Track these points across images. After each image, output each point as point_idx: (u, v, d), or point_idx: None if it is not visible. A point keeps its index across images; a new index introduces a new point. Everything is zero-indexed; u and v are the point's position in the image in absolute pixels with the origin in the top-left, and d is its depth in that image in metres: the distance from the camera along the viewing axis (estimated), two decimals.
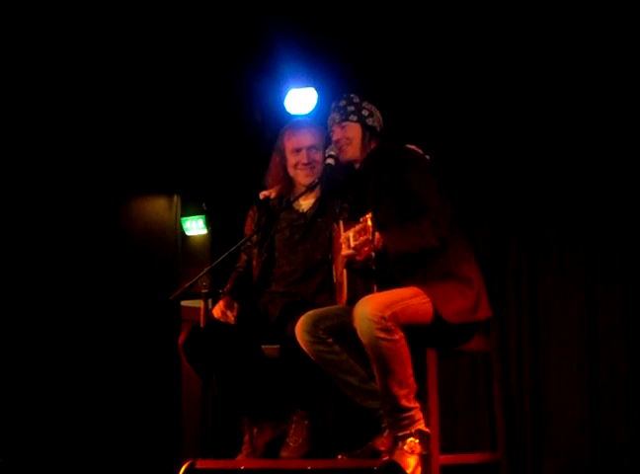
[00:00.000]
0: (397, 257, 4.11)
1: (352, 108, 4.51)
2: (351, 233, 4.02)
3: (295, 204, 4.81)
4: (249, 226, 4.89)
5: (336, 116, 4.53)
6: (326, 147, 4.69)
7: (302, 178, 4.77)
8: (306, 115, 5.83)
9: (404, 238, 4.12)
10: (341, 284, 4.28)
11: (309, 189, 4.73)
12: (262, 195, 4.91)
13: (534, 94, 5.42)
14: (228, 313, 4.64)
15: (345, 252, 4.09)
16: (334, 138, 4.54)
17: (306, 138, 4.77)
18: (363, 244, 3.95)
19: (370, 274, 4.21)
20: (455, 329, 4.16)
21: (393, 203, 4.28)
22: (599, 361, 5.20)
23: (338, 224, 4.35)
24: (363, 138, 4.50)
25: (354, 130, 4.51)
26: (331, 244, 4.55)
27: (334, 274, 4.46)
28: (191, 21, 5.89)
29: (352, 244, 4.01)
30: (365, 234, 3.92)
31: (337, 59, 5.80)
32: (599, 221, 5.24)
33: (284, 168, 4.83)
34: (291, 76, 5.87)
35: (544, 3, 5.32)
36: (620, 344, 5.17)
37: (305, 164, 4.75)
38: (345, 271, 4.21)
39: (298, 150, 4.76)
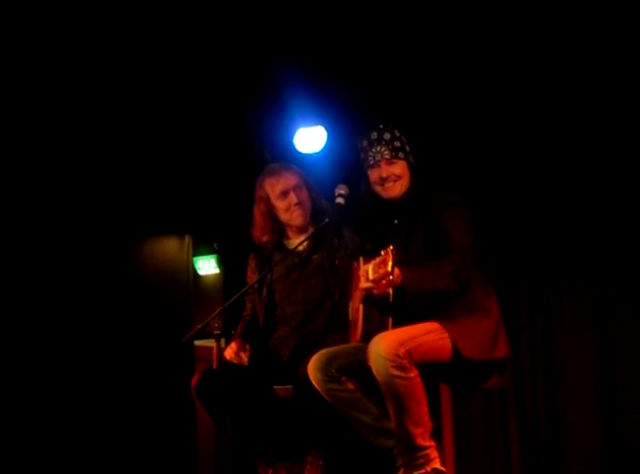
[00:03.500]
0: (414, 295, 4.09)
1: (398, 143, 4.41)
2: (370, 266, 3.99)
3: (289, 245, 4.82)
4: (250, 275, 4.90)
5: (385, 151, 4.40)
6: (305, 185, 4.70)
7: (296, 219, 4.78)
8: (316, 153, 5.85)
9: (423, 277, 4.08)
10: (356, 321, 4.26)
11: (320, 229, 4.72)
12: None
13: (547, 135, 5.42)
14: (241, 354, 4.63)
15: (363, 285, 4.06)
16: (380, 174, 4.40)
17: (289, 180, 4.79)
18: (382, 277, 3.90)
19: (387, 308, 4.16)
20: (472, 367, 4.14)
21: (423, 241, 4.26)
22: (615, 398, 5.16)
23: (358, 261, 4.33)
24: (411, 176, 4.42)
25: (402, 168, 4.42)
26: (349, 280, 4.53)
27: (350, 310, 4.45)
28: (201, 60, 5.91)
29: (370, 277, 3.96)
30: (385, 267, 3.88)
31: (346, 98, 5.81)
32: (611, 261, 5.23)
33: (273, 216, 4.82)
34: (300, 115, 5.88)
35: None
36: (636, 379, 5.14)
37: (297, 204, 4.75)
38: (361, 306, 4.18)
39: (285, 193, 4.77)
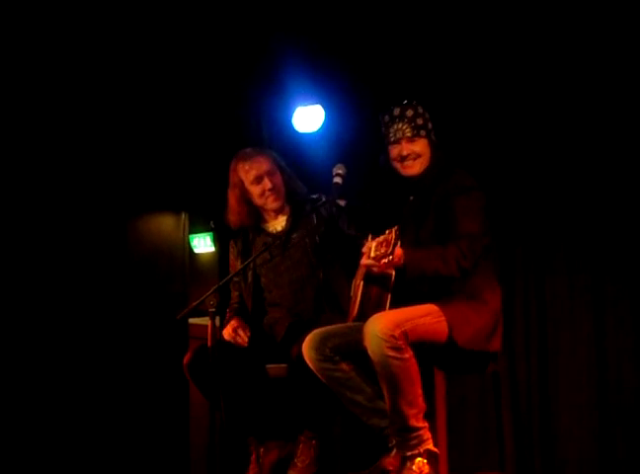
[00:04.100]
0: (414, 277, 4.07)
1: (420, 121, 4.34)
2: (374, 243, 3.98)
3: (269, 228, 4.82)
4: (232, 263, 4.89)
5: (406, 129, 4.33)
6: (279, 168, 4.68)
7: (271, 203, 4.78)
8: (314, 132, 5.84)
9: (426, 261, 4.05)
10: (355, 298, 4.25)
11: (318, 206, 4.72)
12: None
13: (542, 118, 5.40)
14: (241, 333, 4.63)
15: (364, 261, 4.04)
16: (400, 152, 4.34)
17: (262, 165, 4.78)
18: (383, 256, 3.89)
19: (387, 287, 4.14)
20: (465, 354, 4.13)
21: (435, 223, 4.21)
22: (608, 381, 5.17)
23: (367, 237, 4.30)
24: (431, 154, 4.36)
25: (423, 146, 4.35)
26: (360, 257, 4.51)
27: (352, 286, 4.43)
28: (199, 40, 5.89)
29: (372, 254, 3.95)
30: (387, 246, 3.87)
31: (344, 77, 5.79)
32: (607, 245, 5.22)
33: (247, 201, 4.81)
34: (299, 94, 5.86)
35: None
36: (630, 362, 5.15)
37: (271, 189, 4.75)
38: (361, 283, 4.16)
39: (259, 179, 4.76)
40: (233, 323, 4.69)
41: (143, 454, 5.93)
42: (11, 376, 5.63)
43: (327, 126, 5.85)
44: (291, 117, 5.89)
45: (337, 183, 4.53)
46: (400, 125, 4.33)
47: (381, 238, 3.93)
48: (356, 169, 4.66)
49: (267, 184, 4.76)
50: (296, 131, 5.90)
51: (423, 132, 4.33)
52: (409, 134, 4.31)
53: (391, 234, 3.88)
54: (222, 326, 4.75)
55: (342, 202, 4.60)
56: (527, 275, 5.41)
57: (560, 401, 5.30)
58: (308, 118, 5.87)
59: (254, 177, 4.77)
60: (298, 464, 4.43)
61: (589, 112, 5.26)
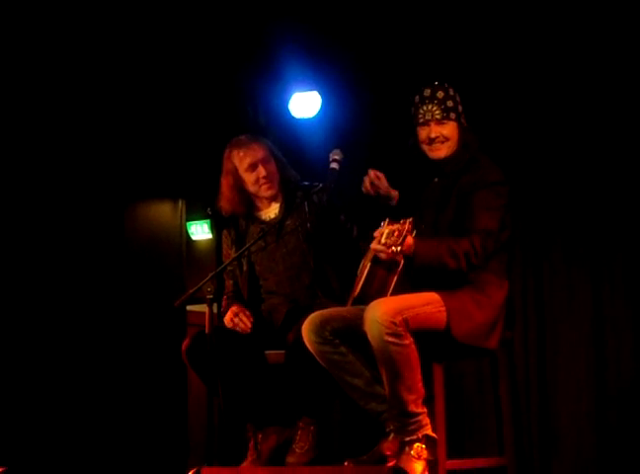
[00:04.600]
0: (421, 267, 4.03)
1: (451, 103, 4.22)
2: (386, 230, 3.91)
3: (262, 216, 4.82)
4: (226, 253, 4.88)
5: (436, 110, 4.20)
6: (273, 157, 4.68)
7: (264, 191, 4.76)
8: (311, 118, 5.84)
9: (436, 253, 4.00)
10: (360, 278, 4.23)
11: (313, 194, 4.71)
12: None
13: (542, 105, 5.40)
14: (244, 318, 4.62)
15: (373, 245, 3.98)
16: (429, 134, 4.23)
17: (257, 152, 4.74)
18: (392, 244, 3.85)
19: (393, 273, 4.08)
20: (461, 347, 4.12)
21: (454, 212, 4.15)
22: (606, 364, 5.19)
23: (384, 221, 4.26)
24: (459, 138, 4.25)
25: (452, 129, 4.24)
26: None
27: (361, 265, 4.41)
28: (195, 26, 5.88)
29: (382, 240, 3.90)
30: (399, 236, 3.83)
31: (341, 63, 5.78)
32: (605, 234, 5.23)
33: (240, 188, 4.80)
34: (295, 80, 5.86)
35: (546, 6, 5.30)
36: (627, 344, 5.17)
37: (265, 177, 4.73)
38: (368, 265, 4.15)
39: (254, 166, 4.74)
40: (234, 309, 4.68)
41: (142, 441, 5.94)
42: (7, 361, 5.63)
43: (324, 112, 5.84)
44: (288, 102, 5.89)
45: (333, 168, 4.51)
46: (430, 107, 4.22)
47: (395, 226, 3.89)
48: (352, 155, 4.65)
49: (261, 171, 4.74)
50: (293, 117, 5.90)
51: (453, 115, 4.23)
52: (438, 116, 4.20)
53: (405, 225, 3.86)
54: (220, 314, 4.73)
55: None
56: (526, 261, 5.40)
57: (559, 386, 5.31)
58: (305, 103, 5.87)
59: (248, 164, 4.75)
60: (297, 450, 4.43)
61: (587, 107, 5.27)
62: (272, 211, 4.82)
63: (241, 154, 4.76)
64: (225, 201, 4.82)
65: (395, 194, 4.41)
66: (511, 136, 5.41)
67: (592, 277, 5.29)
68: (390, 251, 3.88)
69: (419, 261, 4.00)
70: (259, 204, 4.84)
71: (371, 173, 4.42)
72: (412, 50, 5.64)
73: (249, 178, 4.75)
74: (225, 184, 4.81)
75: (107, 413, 5.84)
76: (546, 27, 5.32)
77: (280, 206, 4.79)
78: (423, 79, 5.22)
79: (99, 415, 5.82)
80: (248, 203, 4.82)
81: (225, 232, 4.90)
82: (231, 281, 4.87)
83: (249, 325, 4.62)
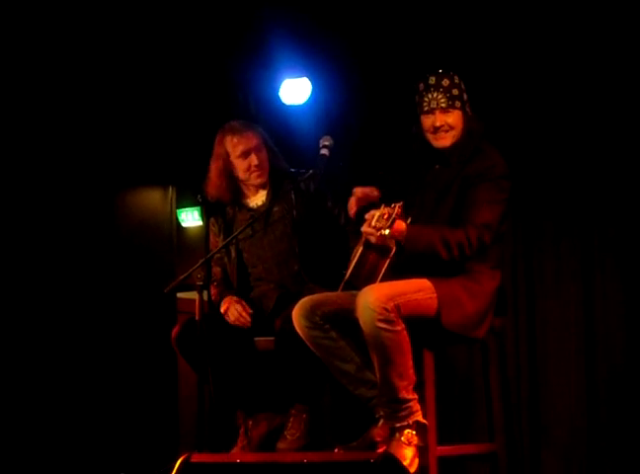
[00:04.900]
0: (413, 254, 4.02)
1: (456, 91, 4.18)
2: (378, 213, 3.90)
3: (250, 204, 4.81)
4: (213, 241, 4.86)
5: (441, 98, 4.16)
6: (265, 146, 4.66)
7: (254, 179, 4.76)
8: (301, 104, 5.83)
9: (428, 241, 3.99)
10: (351, 261, 4.21)
11: (300, 181, 4.70)
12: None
13: (531, 92, 5.39)
14: (245, 315, 4.62)
15: (364, 228, 3.97)
16: (433, 122, 4.19)
17: (250, 140, 4.73)
18: (381, 228, 3.84)
19: (385, 258, 4.07)
20: (450, 334, 4.12)
21: (454, 201, 4.13)
22: (596, 350, 5.20)
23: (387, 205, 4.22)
24: (464, 127, 4.22)
25: (457, 118, 4.20)
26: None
27: (355, 249, 4.40)
28: (184, 12, 5.86)
29: (373, 223, 3.90)
30: (388, 220, 3.82)
31: (331, 49, 5.77)
32: (595, 209, 5.23)
33: (229, 174, 4.78)
34: (286, 66, 5.85)
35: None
36: (618, 332, 5.18)
37: (256, 165, 4.72)
38: (360, 249, 4.14)
39: (246, 153, 4.73)
40: (234, 304, 4.65)
41: (133, 428, 5.94)
42: None
43: (314, 99, 5.83)
44: (278, 89, 5.87)
45: (324, 154, 4.50)
46: (435, 95, 4.18)
47: (386, 210, 3.88)
48: (341, 141, 4.64)
49: (253, 159, 4.73)
50: (283, 104, 5.88)
51: (458, 103, 4.19)
52: (443, 105, 4.17)
53: (394, 209, 3.84)
54: (211, 301, 4.70)
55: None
56: (516, 244, 5.41)
57: (549, 372, 5.32)
58: (295, 90, 5.85)
59: (241, 151, 4.74)
60: (288, 437, 4.43)
61: (586, 102, 5.27)
62: (259, 199, 4.81)
63: (235, 140, 4.75)
64: (212, 187, 4.80)
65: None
66: (500, 121, 5.39)
67: (582, 262, 5.29)
68: (379, 234, 3.87)
69: (410, 247, 3.99)
70: (246, 192, 4.83)
71: (357, 191, 4.32)
72: (403, 37, 5.62)
73: (240, 165, 4.74)
74: (214, 168, 4.79)
75: (96, 400, 5.84)
76: (549, 16, 5.31)
77: (268, 194, 4.78)
78: (414, 65, 5.25)
79: (89, 402, 5.82)
80: (235, 190, 4.81)
81: (212, 220, 4.88)
82: (219, 269, 4.85)
83: (249, 319, 4.63)
